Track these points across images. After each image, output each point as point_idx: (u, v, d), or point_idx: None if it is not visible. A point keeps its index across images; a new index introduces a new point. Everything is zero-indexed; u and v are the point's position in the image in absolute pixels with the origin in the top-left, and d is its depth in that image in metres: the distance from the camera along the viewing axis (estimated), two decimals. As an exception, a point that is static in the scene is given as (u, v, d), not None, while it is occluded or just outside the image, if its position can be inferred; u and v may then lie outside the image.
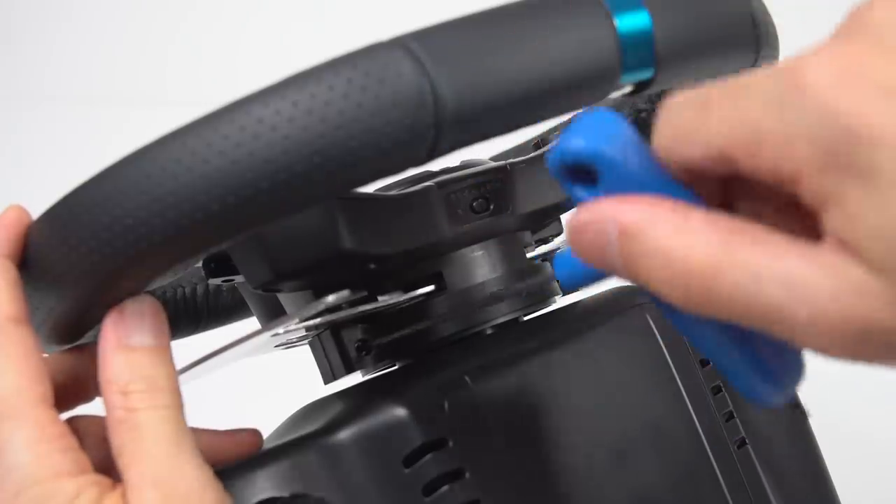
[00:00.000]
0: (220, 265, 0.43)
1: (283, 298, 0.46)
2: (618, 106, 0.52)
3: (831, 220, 0.22)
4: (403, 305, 0.44)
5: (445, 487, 0.38)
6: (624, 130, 0.27)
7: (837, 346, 0.22)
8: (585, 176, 0.27)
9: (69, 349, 0.37)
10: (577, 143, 0.27)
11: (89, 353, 0.36)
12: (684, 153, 0.25)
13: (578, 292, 0.29)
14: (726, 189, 0.27)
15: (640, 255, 0.24)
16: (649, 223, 0.24)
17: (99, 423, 0.37)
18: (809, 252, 0.22)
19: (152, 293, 0.35)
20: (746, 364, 0.26)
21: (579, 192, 0.27)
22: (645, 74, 0.34)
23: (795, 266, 0.22)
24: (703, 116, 0.24)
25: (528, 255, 0.48)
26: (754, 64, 0.39)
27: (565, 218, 0.51)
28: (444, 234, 0.42)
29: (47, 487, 0.31)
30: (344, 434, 0.38)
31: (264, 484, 0.36)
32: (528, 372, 0.42)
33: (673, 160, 0.25)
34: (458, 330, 0.44)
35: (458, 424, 0.39)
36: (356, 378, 0.47)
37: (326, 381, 0.48)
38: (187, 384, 0.36)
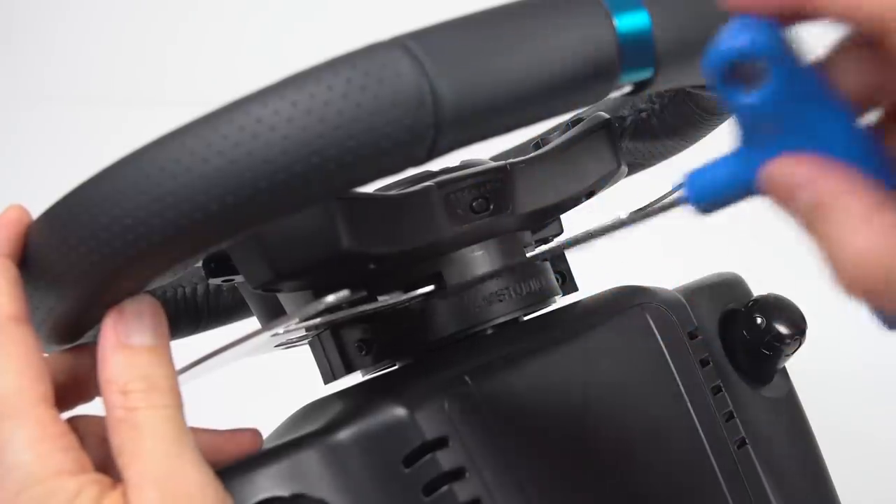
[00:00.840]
0: (220, 265, 0.43)
1: (283, 298, 0.46)
2: (617, 106, 0.52)
3: None
4: (403, 305, 0.44)
5: (446, 487, 0.38)
6: (788, 35, 0.25)
7: None
8: (745, 79, 0.26)
9: (69, 349, 0.37)
10: (745, 38, 0.25)
11: (89, 352, 0.36)
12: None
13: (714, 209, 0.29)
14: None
15: (824, 235, 0.25)
16: (843, 209, 0.25)
17: (99, 422, 0.37)
18: None
19: (152, 293, 0.35)
20: None
21: (738, 96, 0.26)
22: (644, 74, 0.34)
23: None
24: None
25: (528, 254, 0.48)
26: (754, 63, 0.39)
27: (565, 218, 0.51)
28: (444, 234, 0.42)
29: (48, 486, 0.31)
30: (344, 434, 0.38)
31: (264, 484, 0.36)
32: (527, 372, 0.42)
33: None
34: (458, 330, 0.44)
35: (458, 424, 0.39)
36: (356, 378, 0.47)
37: (326, 381, 0.48)
38: (187, 384, 0.36)
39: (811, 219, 0.26)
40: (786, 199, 0.26)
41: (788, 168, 0.26)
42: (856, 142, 0.26)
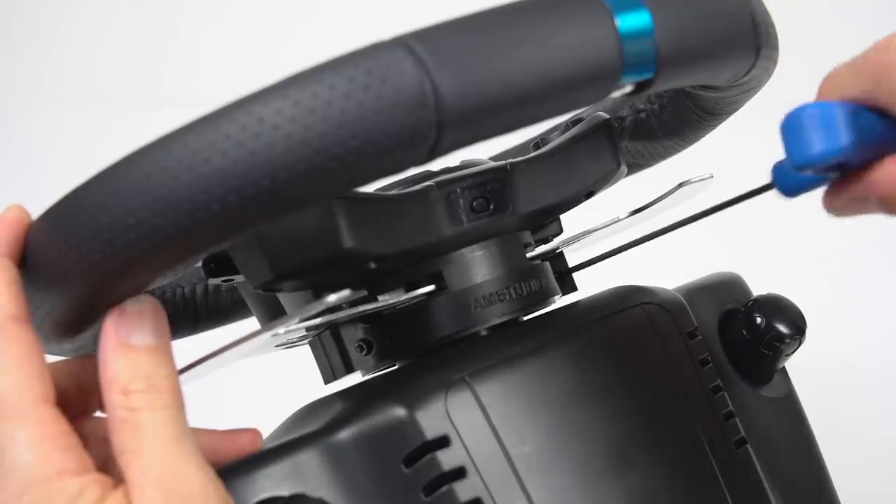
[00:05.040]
0: (220, 265, 0.43)
1: (283, 298, 0.46)
2: (616, 106, 0.52)
3: None
4: (403, 305, 0.44)
5: (446, 487, 0.38)
6: (843, 113, 0.31)
7: None
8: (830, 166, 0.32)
9: (73, 359, 0.37)
10: (821, 149, 0.32)
11: (92, 363, 0.36)
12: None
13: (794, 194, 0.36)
14: None
15: None
16: None
17: (99, 422, 0.38)
18: None
19: (151, 293, 0.35)
20: None
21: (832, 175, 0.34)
22: (645, 74, 0.34)
23: None
24: None
25: (528, 255, 0.48)
26: (754, 64, 0.40)
27: (565, 218, 0.51)
28: (444, 234, 0.42)
29: (50, 486, 0.31)
30: (344, 434, 0.38)
31: (264, 483, 0.36)
32: (527, 372, 0.42)
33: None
34: (459, 330, 0.44)
35: (458, 424, 0.39)
36: (356, 378, 0.47)
37: (326, 381, 0.48)
38: (187, 384, 0.36)
39: None
40: None
41: None
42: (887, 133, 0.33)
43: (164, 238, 0.29)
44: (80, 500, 0.31)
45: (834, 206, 0.35)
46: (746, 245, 1.03)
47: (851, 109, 0.32)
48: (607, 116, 0.48)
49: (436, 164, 0.33)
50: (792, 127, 0.32)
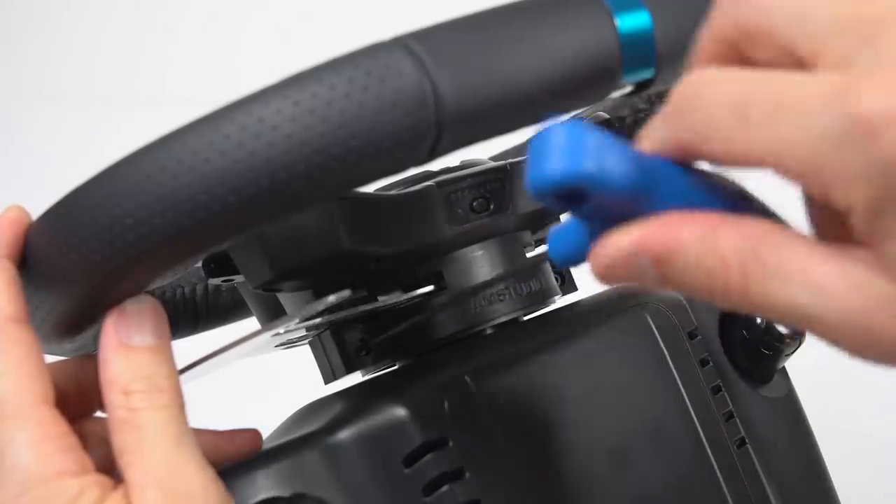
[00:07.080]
0: (220, 265, 0.43)
1: (283, 298, 0.46)
2: (617, 106, 0.52)
3: (876, 248, 0.22)
4: (404, 305, 0.44)
5: (445, 487, 0.38)
6: (597, 138, 0.24)
7: (865, 352, 0.22)
8: (572, 196, 0.24)
9: (73, 359, 0.37)
10: (555, 169, 0.24)
11: (93, 363, 0.36)
12: (705, 151, 0.24)
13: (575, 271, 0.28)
14: None
15: (678, 275, 0.25)
16: (678, 246, 0.24)
17: (99, 423, 0.37)
18: (839, 261, 0.22)
19: (151, 293, 0.35)
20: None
21: (572, 210, 0.25)
22: (645, 74, 0.34)
23: (823, 275, 0.22)
24: (743, 127, 0.23)
25: (528, 254, 0.48)
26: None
27: (564, 217, 0.51)
28: (444, 234, 0.42)
29: (50, 487, 0.31)
30: (344, 434, 0.38)
31: (264, 484, 0.36)
32: (527, 372, 0.42)
33: (688, 155, 0.25)
34: (458, 330, 0.44)
35: (458, 424, 0.39)
36: (356, 378, 0.47)
37: (326, 381, 0.48)
38: (187, 384, 0.36)
39: (663, 271, 0.25)
40: (634, 275, 0.26)
41: (610, 248, 0.25)
42: (694, 189, 0.26)
43: (164, 238, 0.29)
44: (80, 501, 0.31)
45: (596, 262, 0.26)
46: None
47: (626, 145, 0.24)
48: (607, 116, 0.48)
49: (436, 164, 0.33)
50: (536, 146, 0.24)
